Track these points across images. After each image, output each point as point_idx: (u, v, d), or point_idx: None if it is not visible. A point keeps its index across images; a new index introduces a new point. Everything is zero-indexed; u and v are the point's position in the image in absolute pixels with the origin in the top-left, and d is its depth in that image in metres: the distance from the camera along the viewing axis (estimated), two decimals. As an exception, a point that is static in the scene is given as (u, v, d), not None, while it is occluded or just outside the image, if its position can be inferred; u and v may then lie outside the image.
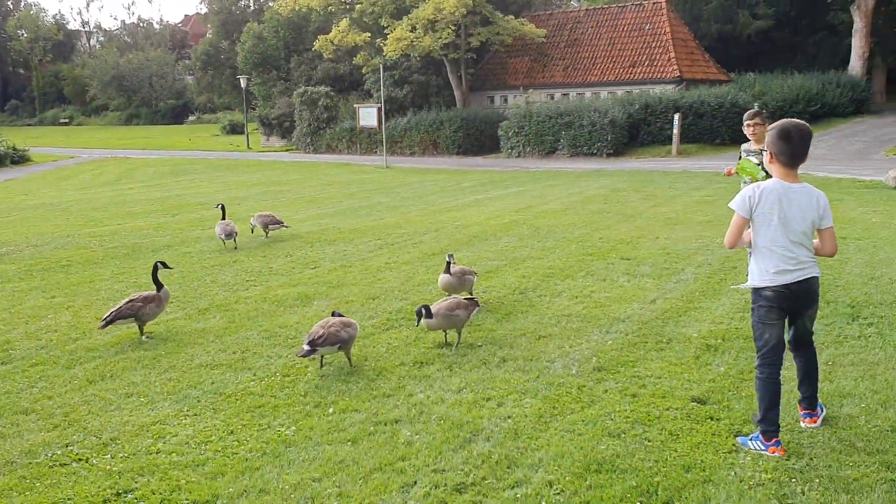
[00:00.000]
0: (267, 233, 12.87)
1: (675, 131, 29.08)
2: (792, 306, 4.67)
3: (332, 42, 36.85)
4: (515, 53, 39.41)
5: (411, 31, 33.59)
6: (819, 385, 4.94)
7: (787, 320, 4.74)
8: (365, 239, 12.65)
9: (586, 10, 41.90)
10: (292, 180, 24.36)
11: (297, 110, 38.77)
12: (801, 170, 4.64)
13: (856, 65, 39.66)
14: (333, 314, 6.51)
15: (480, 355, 6.50)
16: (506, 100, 38.71)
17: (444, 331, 6.89)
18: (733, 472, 4.29)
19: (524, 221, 13.88)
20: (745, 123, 8.05)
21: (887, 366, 5.84)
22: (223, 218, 12.24)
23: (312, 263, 10.79)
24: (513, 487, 4.29)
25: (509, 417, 5.19)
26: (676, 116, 29.07)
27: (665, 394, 5.46)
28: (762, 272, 4.65)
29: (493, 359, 6.39)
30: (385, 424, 5.19)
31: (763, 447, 4.56)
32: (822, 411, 4.89)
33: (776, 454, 4.51)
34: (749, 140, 8.15)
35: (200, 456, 4.84)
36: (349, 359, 6.45)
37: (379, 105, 33.93)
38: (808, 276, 4.61)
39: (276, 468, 4.65)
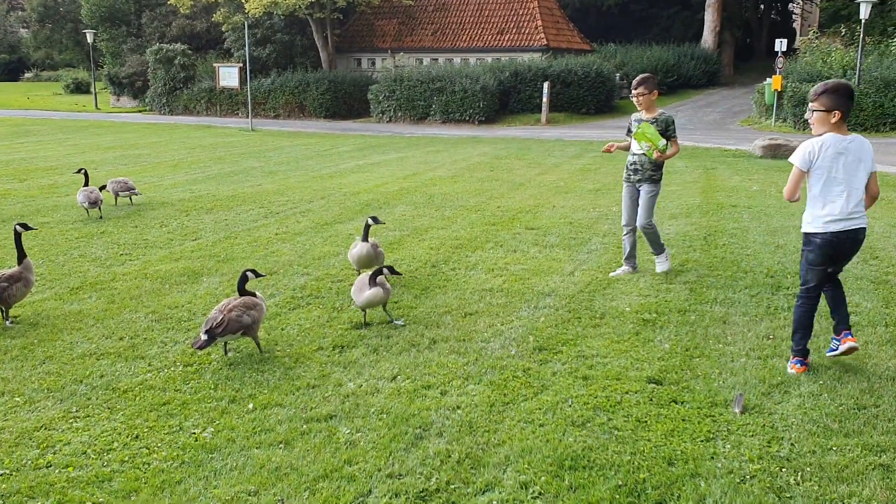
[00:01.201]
0: (116, 200, 11.75)
1: (545, 100, 29.20)
2: (837, 254, 4.97)
3: (189, -3, 34.65)
4: (383, 15, 38.46)
5: (275, -12, 31.99)
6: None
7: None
8: (246, 207, 11.73)
9: (454, -26, 41.35)
10: (151, 143, 22.64)
11: (150, 69, 36.22)
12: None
13: (708, 38, 41.29)
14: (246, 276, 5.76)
15: (407, 336, 5.94)
16: (374, 63, 37.77)
17: (364, 310, 6.29)
18: (718, 464, 3.96)
19: (415, 189, 13.31)
20: (632, 94, 7.53)
21: (826, 338, 5.74)
22: (86, 184, 11.01)
23: (192, 234, 9.84)
24: (484, 492, 3.79)
25: (458, 408, 4.67)
26: (546, 85, 29.18)
27: (618, 375, 5.10)
28: (815, 219, 4.93)
29: (422, 340, 5.84)
30: (318, 421, 4.56)
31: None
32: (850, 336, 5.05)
33: (793, 371, 5.05)
34: (638, 110, 7.60)
35: (104, 469, 4.05)
36: (258, 344, 5.73)
37: (241, 65, 32.22)
38: (857, 227, 4.90)
39: (200, 480, 3.94)
